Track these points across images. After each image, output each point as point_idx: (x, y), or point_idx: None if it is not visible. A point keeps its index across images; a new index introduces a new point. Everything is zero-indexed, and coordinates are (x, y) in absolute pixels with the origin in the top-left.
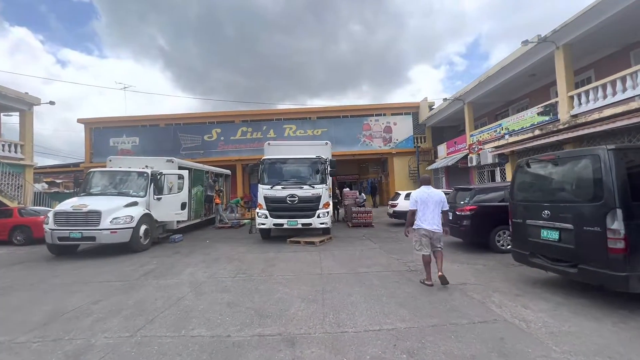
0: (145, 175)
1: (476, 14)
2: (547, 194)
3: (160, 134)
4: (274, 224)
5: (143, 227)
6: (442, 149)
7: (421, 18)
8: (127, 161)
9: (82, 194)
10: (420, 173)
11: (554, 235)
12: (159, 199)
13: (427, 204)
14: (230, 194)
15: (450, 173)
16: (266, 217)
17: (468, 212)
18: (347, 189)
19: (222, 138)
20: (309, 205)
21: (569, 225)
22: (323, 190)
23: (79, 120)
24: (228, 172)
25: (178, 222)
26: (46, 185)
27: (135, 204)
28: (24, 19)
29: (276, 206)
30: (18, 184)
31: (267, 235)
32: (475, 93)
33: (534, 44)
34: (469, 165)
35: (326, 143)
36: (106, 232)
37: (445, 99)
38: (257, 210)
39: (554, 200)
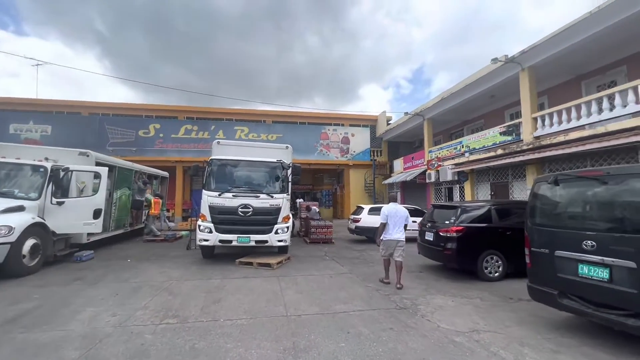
0: (41, 170)
1: (422, 43)
2: (590, 219)
3: (81, 124)
4: (220, 241)
5: (29, 242)
6: (398, 164)
7: (374, 40)
8: (22, 150)
9: None
10: (376, 187)
11: (601, 274)
12: (59, 203)
13: (395, 218)
14: (166, 201)
15: (406, 189)
16: (210, 232)
17: (454, 234)
18: (301, 200)
19: (161, 135)
20: (266, 219)
21: (630, 263)
22: (283, 201)
23: None
24: (165, 174)
25: (89, 234)
26: None
27: (20, 209)
28: None
29: (224, 218)
30: None
31: (210, 254)
32: (436, 110)
33: (501, 62)
34: (427, 181)
35: (287, 147)
36: None
37: (406, 113)
38: (199, 222)
39: (602, 228)
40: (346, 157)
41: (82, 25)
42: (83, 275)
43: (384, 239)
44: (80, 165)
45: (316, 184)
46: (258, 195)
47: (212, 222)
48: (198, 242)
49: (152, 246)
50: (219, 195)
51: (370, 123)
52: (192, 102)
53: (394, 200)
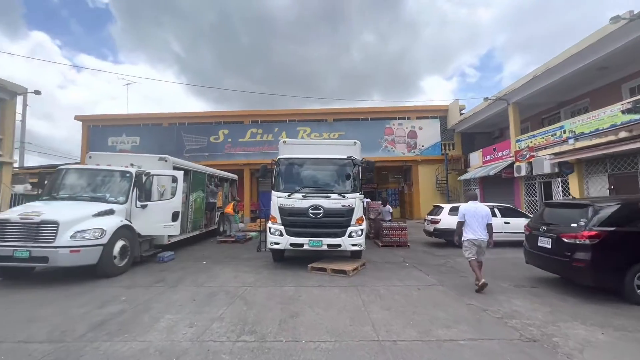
0: (127, 175)
1: (491, 25)
2: None
3: (163, 134)
4: (291, 244)
5: (119, 244)
6: (475, 157)
7: (435, 28)
8: (110, 158)
9: (44, 198)
10: (449, 183)
11: None
12: (143, 206)
13: (475, 217)
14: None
15: (486, 185)
16: (281, 235)
17: (587, 241)
18: (368, 199)
19: (229, 140)
20: (338, 221)
21: None
22: (356, 201)
23: (77, 118)
24: (235, 176)
25: (169, 235)
26: (29, 187)
27: (110, 212)
28: (43, 24)
29: (295, 220)
30: None
31: (281, 257)
32: (525, 92)
33: (625, 21)
34: (516, 175)
35: (354, 143)
36: (64, 251)
37: (486, 99)
38: (270, 224)
39: None
40: (414, 152)
41: (163, 48)
42: (164, 276)
43: (463, 238)
44: (160, 169)
45: (381, 183)
46: (329, 195)
47: (283, 224)
48: (269, 246)
49: (225, 247)
50: (289, 195)
51: (439, 114)
52: (256, 107)
53: (474, 198)
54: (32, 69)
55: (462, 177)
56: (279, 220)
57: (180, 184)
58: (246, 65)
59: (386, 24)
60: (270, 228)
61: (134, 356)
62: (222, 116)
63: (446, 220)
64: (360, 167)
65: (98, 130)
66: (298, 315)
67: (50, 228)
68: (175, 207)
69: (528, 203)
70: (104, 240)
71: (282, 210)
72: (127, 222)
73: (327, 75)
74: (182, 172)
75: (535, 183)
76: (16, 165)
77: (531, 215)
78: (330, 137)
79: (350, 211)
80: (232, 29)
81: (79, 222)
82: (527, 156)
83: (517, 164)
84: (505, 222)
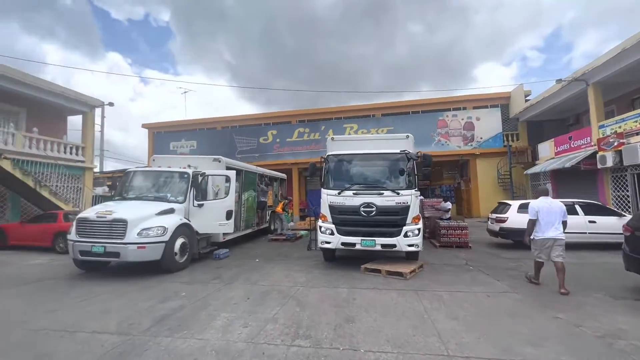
0: (185, 176)
1: (556, 2)
2: None
3: (217, 137)
4: (343, 244)
5: (179, 241)
6: (545, 148)
7: (489, 13)
8: (171, 160)
9: (116, 198)
10: (513, 178)
11: None
12: (200, 205)
13: (549, 214)
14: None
15: (559, 179)
16: (332, 234)
17: None
18: (421, 197)
19: (277, 140)
20: (393, 219)
21: None
22: (412, 199)
23: (144, 126)
24: (284, 176)
25: (224, 233)
26: (107, 189)
27: (171, 211)
28: (117, 45)
29: (346, 219)
30: (77, 187)
31: (332, 257)
32: (608, 70)
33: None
34: (600, 166)
35: (407, 136)
36: (132, 247)
37: (559, 81)
38: (320, 222)
39: None
40: (471, 145)
41: (216, 58)
42: (220, 273)
43: (535, 237)
44: (214, 170)
45: (434, 179)
46: (381, 192)
47: (333, 222)
48: (319, 245)
49: (276, 246)
50: (339, 193)
51: (500, 102)
52: (303, 107)
53: (545, 193)
54: (109, 86)
55: (530, 171)
56: (329, 218)
57: (233, 184)
58: (292, 67)
59: (434, 13)
60: (320, 227)
61: (191, 355)
62: (270, 117)
63: (515, 219)
64: (415, 162)
65: (161, 136)
66: (354, 320)
67: (120, 226)
68: (228, 205)
69: (617, 199)
70: (166, 237)
71: (332, 208)
72: (186, 221)
73: (371, 72)
74: (234, 172)
75: (626, 175)
76: (96, 170)
77: (625, 214)
78: (379, 133)
79: (405, 209)
80: (279, 33)
81: (144, 221)
82: (615, 144)
83: (600, 153)
84: (590, 222)
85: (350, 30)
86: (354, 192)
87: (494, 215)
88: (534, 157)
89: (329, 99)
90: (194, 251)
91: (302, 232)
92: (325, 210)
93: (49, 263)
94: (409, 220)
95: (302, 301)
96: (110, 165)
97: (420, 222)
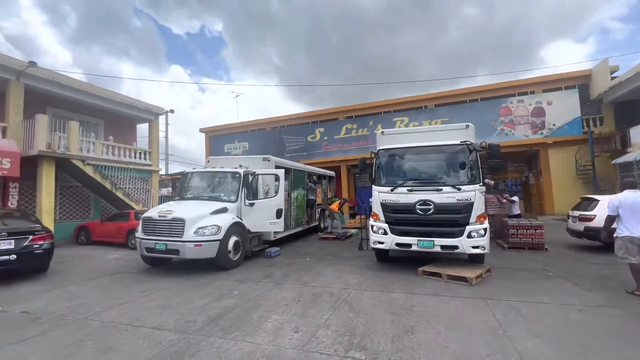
0: (237, 175)
1: None
2: None
3: (267, 137)
4: (397, 244)
5: (233, 239)
6: (638, 133)
7: None
8: (224, 161)
9: (176, 198)
10: (596, 169)
11: None
12: (251, 204)
13: (635, 209)
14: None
15: None
16: (385, 233)
17: None
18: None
19: (325, 138)
20: (454, 218)
21: None
22: (476, 195)
23: (201, 130)
24: (332, 173)
25: (275, 232)
26: (171, 190)
27: (224, 210)
28: (178, 58)
29: (400, 218)
30: (146, 188)
31: (385, 257)
32: None
33: None
34: None
35: (467, 126)
36: (190, 245)
37: None
38: (372, 221)
39: None
40: (541, 133)
41: (265, 62)
42: (271, 272)
43: (623, 235)
44: (264, 169)
45: (497, 174)
46: (440, 188)
47: (386, 221)
48: (372, 245)
49: (327, 244)
50: (391, 190)
51: (578, 82)
52: (350, 103)
53: (633, 186)
54: (172, 96)
55: (620, 160)
56: (381, 217)
57: (282, 182)
58: (338, 64)
59: None
60: (372, 226)
61: (242, 359)
62: (317, 115)
63: (604, 217)
64: (478, 154)
65: (217, 139)
66: (414, 331)
67: (179, 224)
68: (278, 204)
69: None
70: (220, 236)
71: (384, 206)
72: (238, 219)
73: (422, 62)
74: (283, 170)
75: None
76: (162, 172)
77: None
78: (432, 125)
79: (468, 207)
80: (323, 31)
81: (200, 220)
82: None
83: None
84: None
85: (396, 21)
86: (409, 188)
87: (577, 213)
88: (624, 144)
89: (377, 94)
90: (246, 249)
91: (353, 231)
92: (377, 208)
93: (122, 257)
94: (472, 219)
95: (356, 306)
96: (175, 168)
97: (486, 221)
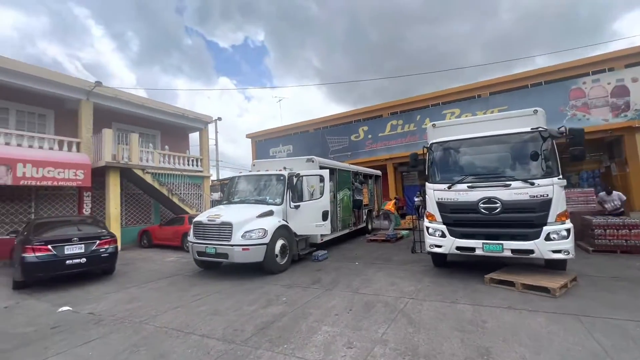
0: (281, 178)
1: None
2: None
3: (310, 139)
4: (458, 248)
5: (279, 243)
6: None
7: None
8: (269, 164)
9: (224, 202)
10: None
11: None
12: (296, 206)
13: None
14: (382, 199)
15: None
16: (443, 236)
17: None
18: None
19: (369, 136)
20: (527, 218)
21: None
22: (555, 189)
23: (247, 136)
24: (378, 172)
25: (322, 235)
26: (221, 194)
27: (270, 213)
28: (225, 70)
29: (460, 218)
30: (198, 193)
31: (443, 262)
32: None
33: None
34: None
35: (535, 111)
36: (238, 249)
37: None
38: (427, 222)
39: None
40: (625, 116)
41: (306, 66)
42: (320, 277)
43: None
44: (308, 170)
45: (567, 164)
46: (508, 183)
47: (444, 222)
48: (428, 248)
49: (375, 247)
50: (448, 187)
51: None
52: (394, 98)
53: None
54: (221, 106)
55: None
56: (438, 217)
57: (327, 183)
58: (379, 62)
59: None
60: (427, 228)
61: None
62: (360, 113)
63: None
64: (553, 141)
65: (262, 144)
66: (490, 353)
67: (227, 228)
68: (324, 206)
69: None
70: (267, 239)
71: (441, 205)
72: (284, 222)
73: (468, 51)
74: (327, 171)
75: None
76: (213, 178)
77: None
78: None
79: (545, 204)
80: (362, 29)
81: (247, 223)
82: None
83: None
84: None
85: (438, 11)
86: (469, 185)
87: None
88: None
89: (422, 89)
90: (293, 253)
91: (404, 232)
92: (432, 208)
93: (178, 260)
94: (551, 217)
95: (414, 319)
96: (225, 174)
97: (569, 220)
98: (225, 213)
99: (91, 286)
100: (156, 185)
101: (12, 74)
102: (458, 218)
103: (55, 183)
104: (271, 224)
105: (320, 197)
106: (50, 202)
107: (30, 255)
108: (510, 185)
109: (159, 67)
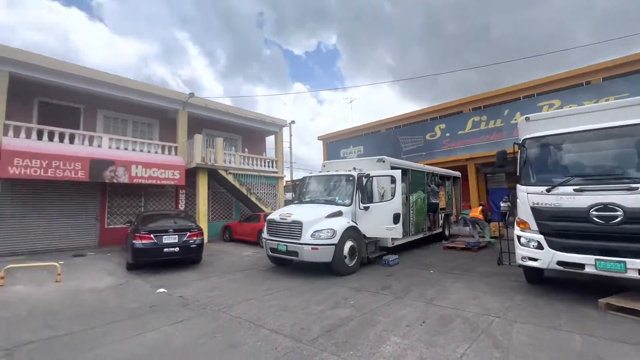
0: (351, 178)
1: None
2: None
3: (381, 139)
4: (560, 263)
5: (348, 244)
6: None
7: None
8: (339, 164)
9: (295, 202)
10: None
11: None
12: (365, 207)
13: None
14: (461, 203)
15: None
16: (539, 247)
17: None
18: None
19: (447, 134)
20: None
21: None
22: None
23: (319, 138)
24: (457, 174)
25: (393, 239)
26: (294, 194)
27: (339, 214)
28: (299, 76)
29: (564, 228)
30: (273, 193)
31: (539, 278)
32: None
33: None
34: None
35: None
36: (307, 248)
37: None
38: (518, 231)
39: None
40: None
41: (378, 65)
42: (390, 283)
43: None
44: (379, 171)
45: None
46: (635, 186)
47: (541, 232)
48: (519, 261)
49: (454, 255)
50: (547, 190)
51: None
52: (476, 92)
53: None
54: (295, 111)
55: None
56: (532, 225)
57: (399, 184)
58: (459, 54)
59: None
60: (519, 237)
61: None
62: (437, 110)
63: None
64: None
65: (333, 145)
66: None
67: (297, 227)
68: (395, 208)
69: None
70: (335, 240)
71: (537, 212)
72: (353, 224)
73: (569, 33)
74: (399, 171)
75: None
76: (287, 179)
77: None
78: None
79: None
80: (439, 22)
81: (316, 223)
82: None
83: None
84: None
85: None
86: (576, 188)
87: None
88: None
89: (511, 79)
90: (362, 255)
91: (488, 240)
92: (525, 214)
93: (254, 255)
94: None
95: (502, 342)
96: (298, 175)
97: None
98: (296, 212)
99: (182, 273)
100: (237, 184)
101: (132, 91)
102: (561, 227)
103: (158, 182)
104: (340, 224)
105: (392, 198)
106: (155, 197)
107: (138, 242)
108: (638, 188)
109: (242, 77)
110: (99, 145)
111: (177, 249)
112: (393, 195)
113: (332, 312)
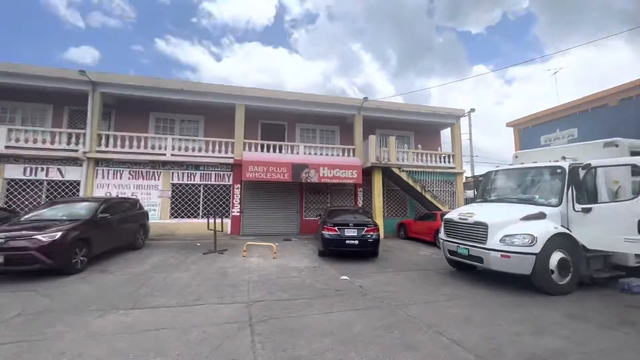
0: (558, 171)
1: None
2: None
3: (610, 116)
4: None
5: (556, 256)
6: None
7: None
8: (536, 155)
9: (478, 200)
10: None
11: None
12: (585, 210)
13: None
14: None
15: None
16: None
17: None
18: None
19: None
20: None
21: None
22: None
23: (508, 124)
24: None
25: (637, 256)
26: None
27: (540, 216)
28: (482, 58)
29: None
30: (451, 190)
31: None
32: None
33: None
34: None
35: None
36: (495, 254)
37: None
38: None
39: None
40: None
41: (600, 14)
42: (632, 317)
43: None
44: (607, 159)
45: None
46: None
47: None
48: None
49: None
50: None
51: None
52: None
53: None
54: (476, 97)
55: None
56: None
57: None
58: None
59: None
60: None
61: None
62: None
63: None
64: None
65: (529, 132)
66: None
67: (481, 229)
68: None
69: None
70: (536, 249)
71: None
72: (564, 230)
73: None
74: None
75: None
76: (467, 174)
77: None
78: None
79: None
80: None
81: (506, 226)
82: None
83: None
84: None
85: None
86: None
87: None
88: None
89: None
90: (581, 273)
91: None
92: None
93: (430, 255)
94: None
95: None
96: (480, 169)
97: None
98: (479, 212)
99: (360, 264)
100: (410, 182)
101: (318, 104)
102: None
103: (340, 180)
104: (543, 229)
105: (634, 197)
106: (338, 194)
107: (326, 233)
108: None
109: (413, 72)
110: (297, 152)
111: (356, 241)
112: (636, 193)
113: (533, 338)
